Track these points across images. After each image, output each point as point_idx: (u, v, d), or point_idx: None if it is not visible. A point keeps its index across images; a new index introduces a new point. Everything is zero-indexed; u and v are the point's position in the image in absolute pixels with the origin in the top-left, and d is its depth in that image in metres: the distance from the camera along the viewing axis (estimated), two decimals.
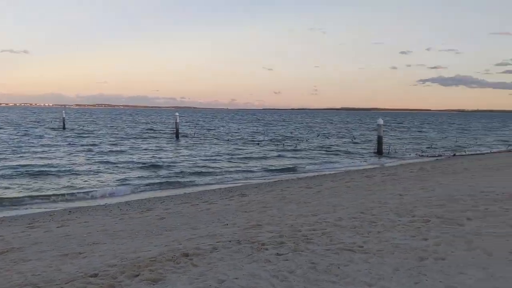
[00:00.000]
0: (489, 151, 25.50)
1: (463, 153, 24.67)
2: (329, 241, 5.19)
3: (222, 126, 60.87)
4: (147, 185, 14.18)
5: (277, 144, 30.19)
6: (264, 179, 15.72)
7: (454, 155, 23.69)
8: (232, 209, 8.74)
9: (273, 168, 18.40)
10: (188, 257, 4.76)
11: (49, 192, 12.75)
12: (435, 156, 23.13)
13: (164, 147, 26.97)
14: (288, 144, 30.40)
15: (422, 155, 24.24)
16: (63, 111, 52.49)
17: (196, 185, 14.59)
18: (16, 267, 5.00)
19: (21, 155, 21.24)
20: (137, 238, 6.45)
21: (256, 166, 18.89)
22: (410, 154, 24.85)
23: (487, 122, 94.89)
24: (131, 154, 22.44)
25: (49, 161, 18.94)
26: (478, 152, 25.50)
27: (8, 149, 23.69)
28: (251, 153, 24.06)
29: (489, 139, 39.16)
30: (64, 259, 5.28)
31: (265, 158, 22.07)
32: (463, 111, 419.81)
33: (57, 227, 8.05)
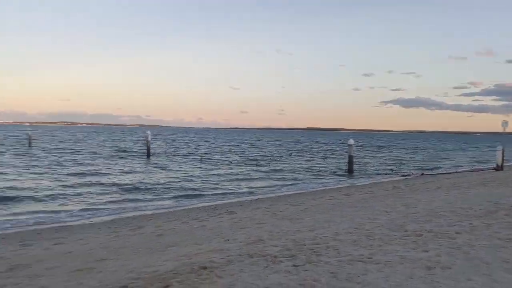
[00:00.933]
0: (454, 171, 26.66)
1: (431, 173, 25.70)
2: (337, 253, 5.51)
3: (190, 143, 61.08)
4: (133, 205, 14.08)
5: (254, 164, 30.30)
6: (246, 197, 15.95)
7: (422, 174, 24.65)
8: (227, 226, 8.94)
9: (254, 189, 18.42)
10: (207, 269, 4.96)
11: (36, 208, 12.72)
12: (404, 175, 23.99)
13: (137, 167, 26.60)
14: (266, 163, 30.96)
15: (391, 174, 25.14)
16: (29, 129, 51.03)
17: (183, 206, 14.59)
18: (35, 283, 5.06)
19: None
20: (141, 254, 6.56)
21: (230, 185, 19.17)
22: (379, 173, 25.70)
23: (453, 143, 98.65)
24: (107, 175, 21.99)
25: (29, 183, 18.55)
26: (445, 171, 26.63)
27: None
28: (227, 174, 24.18)
29: (459, 159, 40.83)
30: (80, 274, 5.37)
31: (248, 178, 22.10)
32: (422, 132, 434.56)
33: (53, 245, 8.03)
